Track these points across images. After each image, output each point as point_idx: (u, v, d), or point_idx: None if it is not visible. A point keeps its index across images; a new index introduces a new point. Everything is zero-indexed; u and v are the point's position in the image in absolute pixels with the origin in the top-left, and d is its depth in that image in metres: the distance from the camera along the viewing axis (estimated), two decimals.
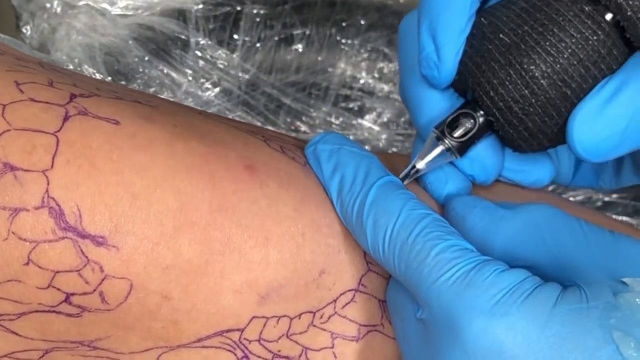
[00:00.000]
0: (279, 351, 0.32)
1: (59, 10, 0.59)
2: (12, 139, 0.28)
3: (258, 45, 0.60)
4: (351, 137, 0.60)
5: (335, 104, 0.60)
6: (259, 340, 0.31)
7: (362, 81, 0.60)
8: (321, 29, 0.60)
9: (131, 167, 0.29)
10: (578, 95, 0.31)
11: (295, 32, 0.60)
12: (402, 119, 0.60)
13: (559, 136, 0.33)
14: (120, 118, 0.30)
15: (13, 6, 0.59)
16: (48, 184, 0.28)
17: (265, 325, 0.31)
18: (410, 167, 0.35)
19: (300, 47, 0.60)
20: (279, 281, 0.31)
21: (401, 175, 0.35)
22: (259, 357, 0.32)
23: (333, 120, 0.60)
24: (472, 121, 0.34)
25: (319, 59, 0.60)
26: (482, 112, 0.34)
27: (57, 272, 0.28)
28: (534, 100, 0.32)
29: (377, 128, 0.60)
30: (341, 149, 0.34)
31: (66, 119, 0.29)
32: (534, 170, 0.37)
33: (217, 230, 0.30)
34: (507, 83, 0.32)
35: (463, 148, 0.34)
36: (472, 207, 0.34)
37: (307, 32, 0.60)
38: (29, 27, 0.59)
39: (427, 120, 0.36)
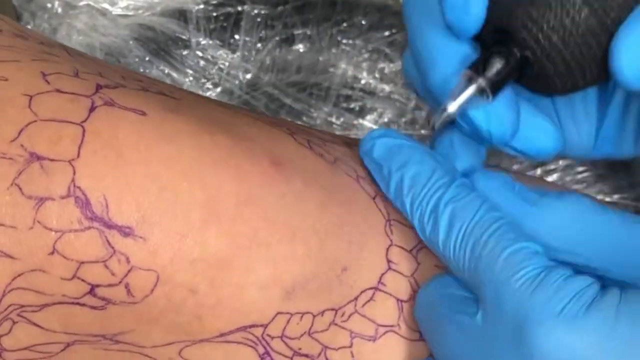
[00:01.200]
0: (300, 349, 0.32)
1: (59, 10, 0.58)
2: (39, 129, 0.28)
3: (259, 45, 0.60)
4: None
5: (336, 104, 0.60)
6: (281, 337, 0.31)
7: (363, 81, 0.61)
8: (322, 28, 0.60)
9: (158, 158, 0.28)
10: (618, 25, 0.30)
11: (296, 32, 0.60)
12: (403, 119, 0.61)
13: (594, 72, 0.32)
14: (146, 109, 0.29)
15: (14, 6, 0.58)
16: (74, 174, 0.27)
17: (288, 322, 0.31)
18: (440, 109, 0.32)
19: (301, 47, 0.60)
20: (304, 276, 0.31)
21: (432, 120, 0.33)
22: (280, 354, 0.32)
23: (334, 120, 0.60)
24: (502, 61, 0.32)
25: (320, 58, 0.60)
26: (515, 49, 0.32)
27: (82, 263, 0.28)
28: (574, 30, 0.31)
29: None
30: (410, 145, 0.34)
31: (92, 109, 0.29)
32: (539, 137, 0.35)
33: (244, 223, 0.30)
34: (547, 12, 0.31)
35: (496, 88, 0.32)
36: (498, 188, 0.33)
37: (308, 32, 0.60)
38: (29, 27, 0.58)
39: (443, 76, 0.33)
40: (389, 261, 0.34)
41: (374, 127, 0.60)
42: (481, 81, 0.32)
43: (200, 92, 0.58)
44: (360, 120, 0.60)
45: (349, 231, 0.32)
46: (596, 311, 0.27)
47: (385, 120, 0.60)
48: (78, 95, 0.29)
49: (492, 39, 0.34)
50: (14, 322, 0.28)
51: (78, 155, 0.28)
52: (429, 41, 0.33)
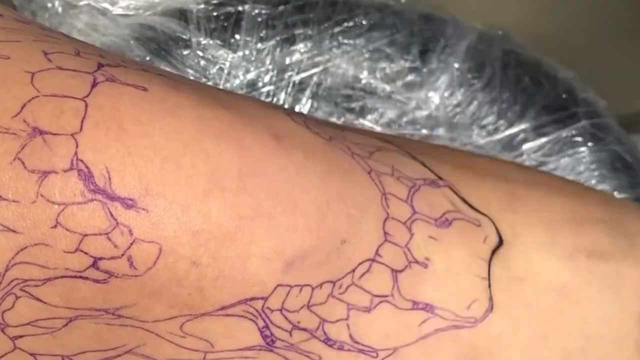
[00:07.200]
0: (299, 322, 0.32)
1: (59, 9, 0.59)
2: (41, 104, 0.27)
3: (259, 45, 0.60)
4: None
5: (337, 104, 0.60)
6: (280, 310, 0.31)
7: (363, 81, 0.61)
8: (323, 28, 0.60)
9: (160, 130, 0.28)
10: None
11: (297, 32, 0.60)
12: (404, 119, 0.61)
13: None
14: (147, 85, 0.30)
15: (14, 5, 0.58)
16: (77, 147, 0.27)
17: (288, 294, 0.31)
18: None
19: (301, 47, 0.60)
20: (304, 248, 0.31)
21: None
22: (279, 327, 0.32)
23: (334, 120, 0.60)
24: None
25: (320, 58, 0.60)
26: None
27: (85, 235, 0.27)
28: None
29: (378, 128, 0.60)
30: None
31: (94, 85, 0.29)
32: None
33: (247, 194, 0.29)
34: None
35: None
36: None
37: (309, 32, 0.60)
38: None
39: None
40: (385, 233, 0.34)
41: (375, 126, 0.60)
42: None
43: None
44: (361, 120, 0.60)
45: (349, 204, 0.32)
46: None
47: (386, 120, 0.60)
48: (80, 72, 0.29)
49: None
50: (17, 297, 0.28)
51: (81, 129, 0.27)
52: None
